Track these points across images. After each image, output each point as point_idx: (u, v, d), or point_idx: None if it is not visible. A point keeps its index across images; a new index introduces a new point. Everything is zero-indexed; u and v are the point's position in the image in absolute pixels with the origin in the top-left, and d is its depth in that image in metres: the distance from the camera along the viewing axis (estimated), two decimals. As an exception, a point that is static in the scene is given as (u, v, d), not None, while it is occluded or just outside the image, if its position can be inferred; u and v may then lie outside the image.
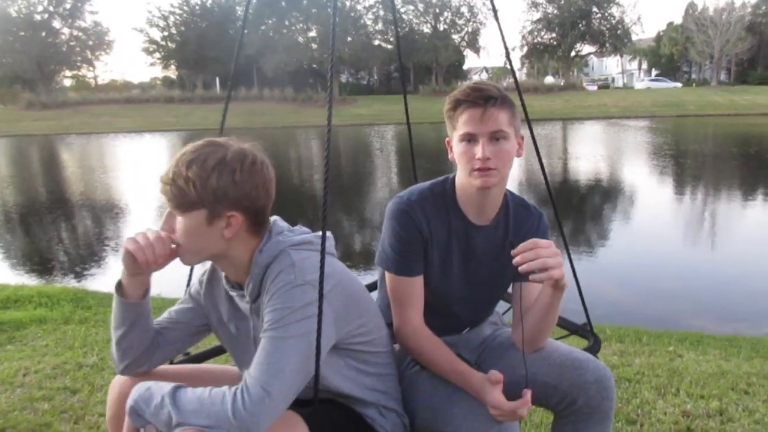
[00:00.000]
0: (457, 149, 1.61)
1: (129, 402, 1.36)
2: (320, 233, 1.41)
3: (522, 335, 1.61)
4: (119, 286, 1.53)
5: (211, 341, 2.01)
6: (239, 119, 37.95)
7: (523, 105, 2.05)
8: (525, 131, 1.77)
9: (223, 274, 1.53)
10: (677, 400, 2.94)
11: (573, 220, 9.68)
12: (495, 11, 2.16)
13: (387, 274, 1.70)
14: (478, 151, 1.55)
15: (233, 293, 1.51)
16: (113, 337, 1.56)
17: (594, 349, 1.97)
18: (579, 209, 10.91)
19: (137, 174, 17.60)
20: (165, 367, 1.67)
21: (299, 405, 1.38)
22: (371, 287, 2.10)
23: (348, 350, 1.50)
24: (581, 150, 21.33)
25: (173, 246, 1.44)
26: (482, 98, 1.54)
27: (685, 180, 14.47)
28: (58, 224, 10.97)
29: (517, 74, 2.16)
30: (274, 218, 1.52)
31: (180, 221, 1.41)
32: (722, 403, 2.90)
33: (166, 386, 1.34)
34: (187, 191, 1.35)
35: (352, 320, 1.46)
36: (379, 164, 19.54)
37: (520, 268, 1.39)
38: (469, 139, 1.57)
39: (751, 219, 9.99)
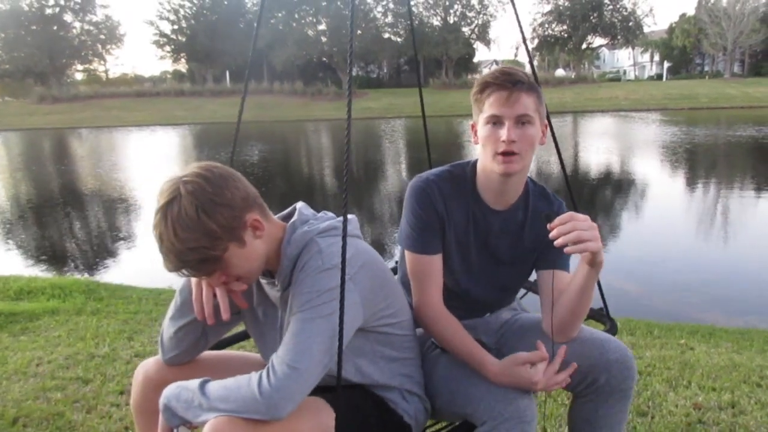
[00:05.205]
0: (482, 132, 1.61)
1: (162, 400, 1.39)
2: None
3: (552, 322, 1.61)
4: None
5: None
6: (249, 113, 37.79)
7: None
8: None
9: None
10: (688, 393, 2.92)
11: (585, 212, 9.61)
12: (513, 2, 2.17)
13: (406, 253, 1.72)
14: (503, 133, 1.55)
15: (263, 280, 1.52)
16: (171, 326, 1.57)
17: (610, 333, 1.94)
18: (590, 201, 10.86)
19: (151, 167, 17.67)
20: None
21: (322, 391, 1.39)
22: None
23: (375, 332, 1.51)
24: (594, 143, 21.20)
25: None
26: (510, 81, 1.55)
27: (697, 172, 14.35)
28: (70, 217, 11.05)
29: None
30: (299, 205, 1.52)
31: (218, 273, 1.37)
32: (734, 395, 2.88)
33: (195, 381, 1.37)
34: (204, 251, 1.30)
35: (379, 301, 1.47)
36: (388, 157, 19.52)
37: (555, 242, 1.39)
38: (495, 121, 1.58)
39: (765, 211, 9.89)
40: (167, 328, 1.58)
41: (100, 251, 8.27)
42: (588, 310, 1.62)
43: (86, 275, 6.66)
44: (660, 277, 6.35)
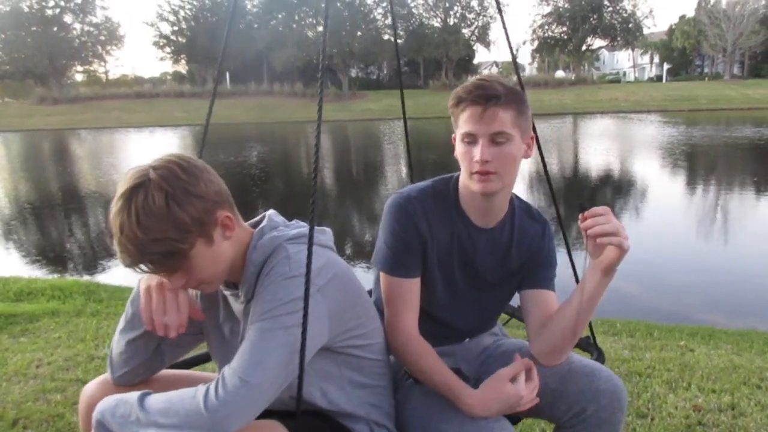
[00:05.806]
0: (458, 148, 1.52)
1: (95, 415, 1.26)
2: (316, 227, 1.31)
3: (542, 346, 1.53)
4: None
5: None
6: (249, 114, 38.07)
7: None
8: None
9: None
10: (688, 394, 2.92)
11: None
12: (500, 9, 2.11)
13: (381, 275, 1.59)
14: (477, 152, 1.44)
15: (227, 292, 1.40)
16: (121, 339, 1.43)
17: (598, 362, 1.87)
18: (589, 203, 10.83)
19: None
20: None
21: (282, 417, 1.29)
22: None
23: (344, 354, 1.39)
24: (594, 144, 21.21)
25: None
26: (483, 97, 1.42)
27: (695, 173, 14.34)
28: (70, 218, 11.04)
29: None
30: (269, 212, 1.42)
31: (181, 272, 1.26)
32: (734, 397, 2.88)
33: (134, 394, 1.24)
34: (171, 243, 1.19)
35: (349, 319, 1.36)
36: (386, 158, 19.52)
37: (590, 231, 1.34)
38: (470, 140, 1.47)
39: (764, 212, 9.88)
40: (117, 342, 1.43)
41: (100, 252, 8.26)
42: (583, 329, 1.51)
43: (86, 276, 6.66)
44: (660, 279, 6.34)
